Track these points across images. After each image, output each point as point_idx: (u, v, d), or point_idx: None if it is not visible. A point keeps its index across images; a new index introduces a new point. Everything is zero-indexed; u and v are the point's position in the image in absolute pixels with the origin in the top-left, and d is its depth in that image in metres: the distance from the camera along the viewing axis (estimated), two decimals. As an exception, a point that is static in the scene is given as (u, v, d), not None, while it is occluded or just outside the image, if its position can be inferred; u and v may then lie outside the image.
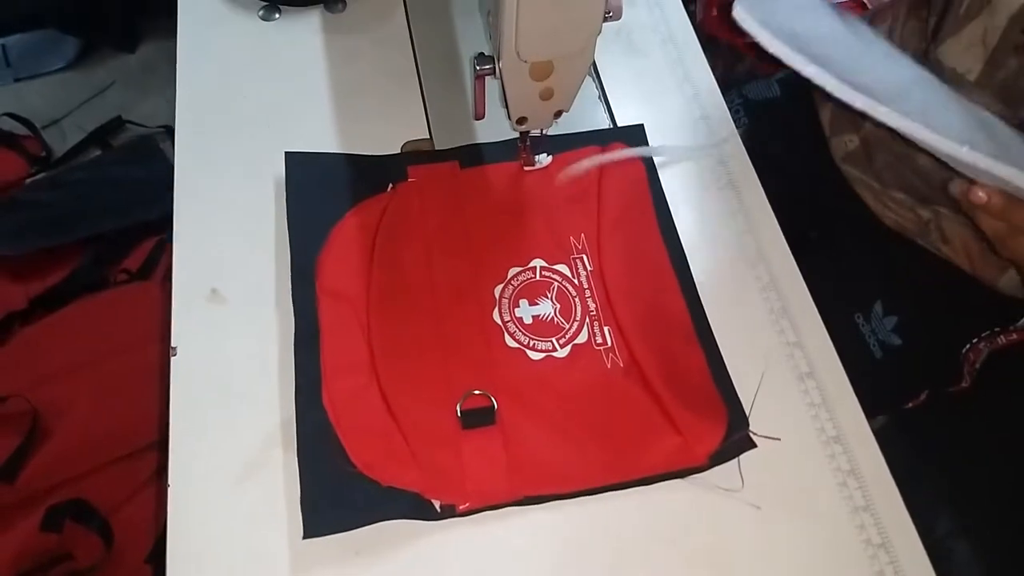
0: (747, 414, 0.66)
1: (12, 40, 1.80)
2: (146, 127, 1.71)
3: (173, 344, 0.67)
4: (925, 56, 0.80)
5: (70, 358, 1.15)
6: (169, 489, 0.61)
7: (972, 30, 0.72)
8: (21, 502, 1.04)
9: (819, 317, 0.72)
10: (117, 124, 1.72)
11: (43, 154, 1.65)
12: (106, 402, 1.11)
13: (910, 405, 0.81)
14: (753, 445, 0.65)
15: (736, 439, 0.64)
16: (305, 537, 0.58)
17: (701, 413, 0.65)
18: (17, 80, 1.81)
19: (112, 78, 1.84)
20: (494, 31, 0.63)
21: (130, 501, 1.09)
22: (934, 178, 0.81)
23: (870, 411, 0.68)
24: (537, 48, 0.60)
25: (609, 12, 0.60)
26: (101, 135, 1.70)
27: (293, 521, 0.59)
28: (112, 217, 1.39)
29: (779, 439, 0.65)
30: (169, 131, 1.66)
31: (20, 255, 1.29)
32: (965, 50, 0.73)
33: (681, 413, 0.65)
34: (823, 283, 0.74)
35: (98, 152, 1.68)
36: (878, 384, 0.75)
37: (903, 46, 0.84)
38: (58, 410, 1.09)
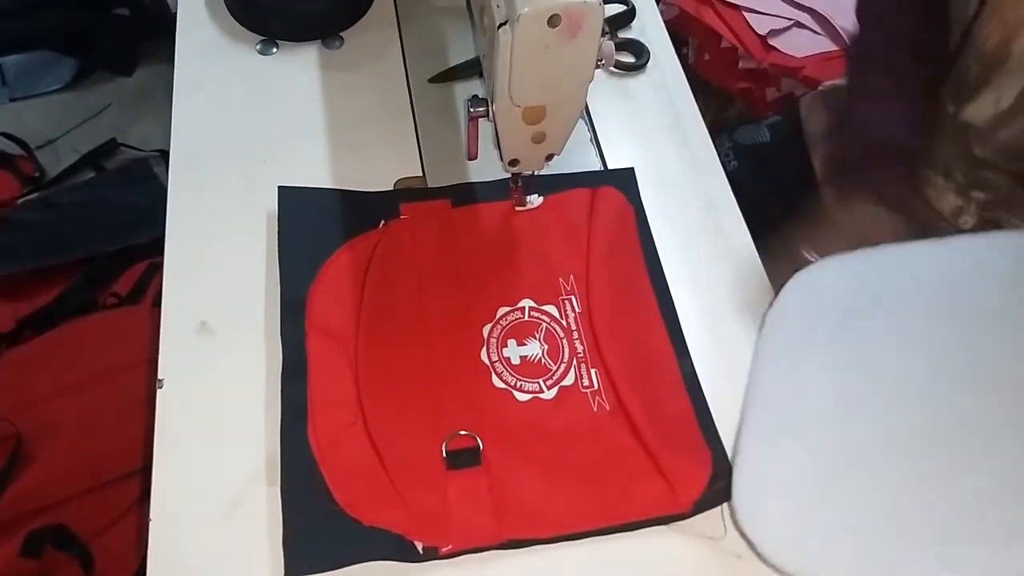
0: (731, 462, 0.66)
1: (9, 60, 1.81)
2: (140, 150, 1.71)
3: (160, 376, 0.67)
4: (928, 103, 0.81)
5: (57, 381, 1.14)
6: (151, 523, 0.61)
7: (987, 97, 0.74)
8: (1, 526, 1.03)
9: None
10: (111, 146, 1.72)
11: (37, 174, 1.65)
12: (92, 427, 1.10)
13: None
14: (736, 492, 0.65)
15: (720, 487, 0.64)
16: (286, 576, 0.58)
17: (686, 459, 0.65)
18: (13, 100, 1.81)
19: (108, 101, 1.84)
20: (488, 75, 0.63)
21: (112, 528, 1.08)
22: None
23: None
24: (530, 93, 0.61)
25: (601, 59, 0.61)
26: (95, 157, 1.70)
27: (275, 559, 0.59)
28: (103, 239, 1.38)
29: (762, 487, 0.66)
30: (163, 155, 1.66)
31: (9, 275, 1.28)
32: (980, 112, 0.75)
33: (666, 458, 0.65)
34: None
35: (92, 174, 1.68)
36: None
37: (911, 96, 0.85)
38: (43, 434, 1.08)
